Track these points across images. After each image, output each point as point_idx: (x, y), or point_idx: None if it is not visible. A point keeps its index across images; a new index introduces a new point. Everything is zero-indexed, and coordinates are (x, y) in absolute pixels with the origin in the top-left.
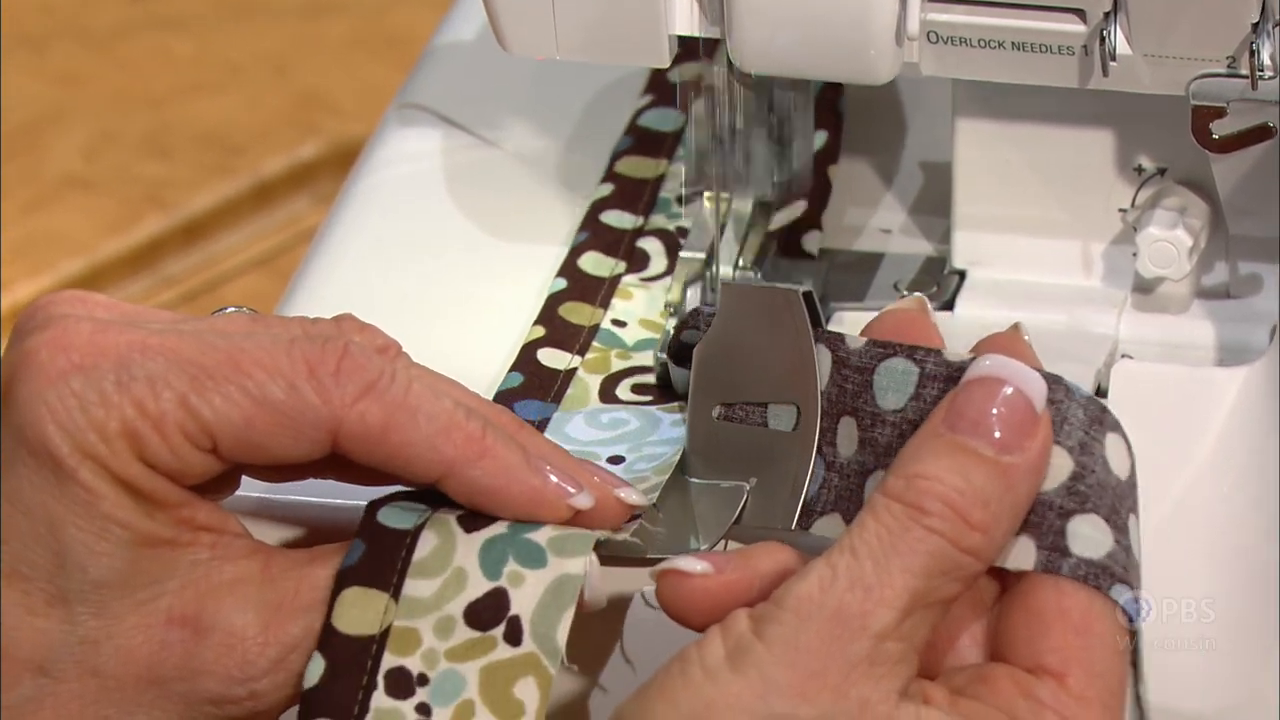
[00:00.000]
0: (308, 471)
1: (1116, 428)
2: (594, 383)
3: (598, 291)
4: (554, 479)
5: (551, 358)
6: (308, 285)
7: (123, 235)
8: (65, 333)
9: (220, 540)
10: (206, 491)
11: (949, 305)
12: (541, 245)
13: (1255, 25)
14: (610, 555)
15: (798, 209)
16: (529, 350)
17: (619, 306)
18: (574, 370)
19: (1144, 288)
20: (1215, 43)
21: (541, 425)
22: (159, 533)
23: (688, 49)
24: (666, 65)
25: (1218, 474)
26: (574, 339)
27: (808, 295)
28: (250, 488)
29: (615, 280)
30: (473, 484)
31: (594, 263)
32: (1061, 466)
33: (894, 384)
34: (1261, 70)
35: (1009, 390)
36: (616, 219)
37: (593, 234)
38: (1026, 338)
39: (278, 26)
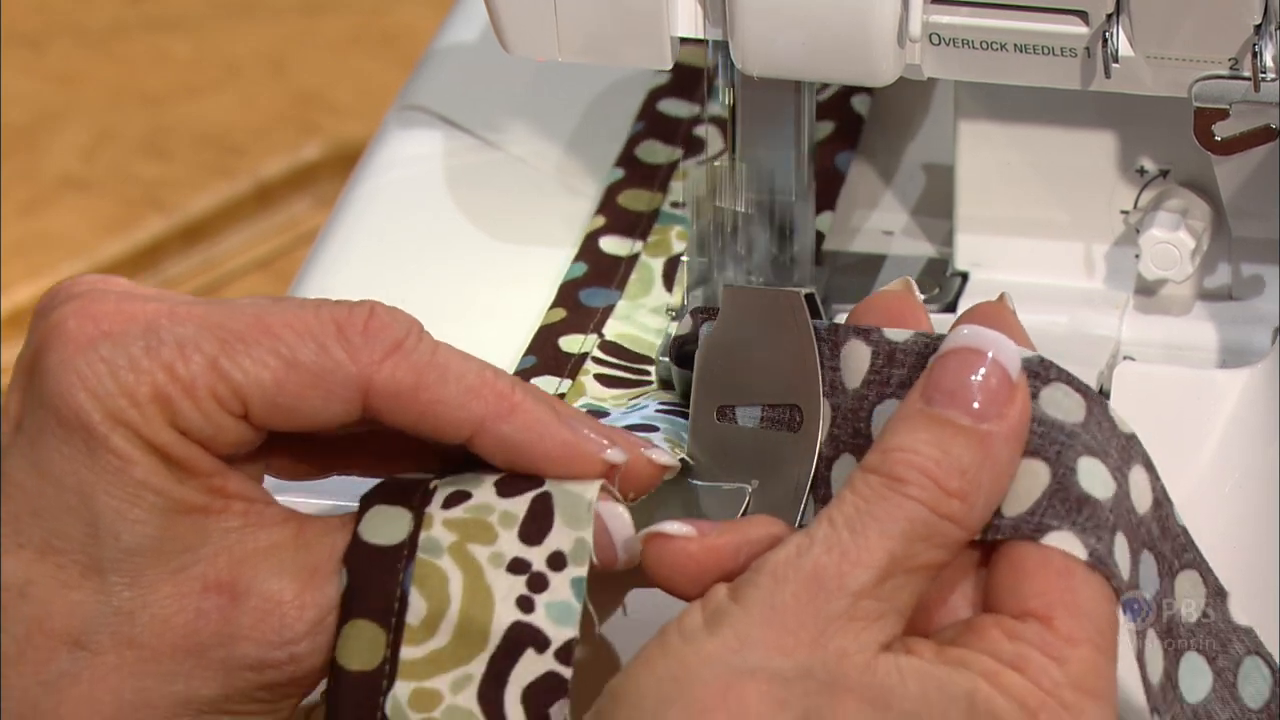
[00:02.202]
0: (336, 461)
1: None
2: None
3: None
4: (587, 432)
5: (569, 343)
6: (309, 288)
7: (122, 236)
8: (92, 303)
9: (252, 508)
10: (238, 460)
11: (951, 307)
12: (544, 246)
13: (1258, 27)
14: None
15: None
16: (546, 334)
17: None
18: (612, 305)
19: (1146, 289)
20: (1217, 44)
21: None
22: (191, 499)
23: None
24: (668, 66)
25: (1219, 475)
26: (588, 318)
27: (810, 297)
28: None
29: (633, 260)
30: (505, 439)
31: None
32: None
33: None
34: (1264, 72)
35: (984, 359)
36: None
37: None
38: (1012, 307)
39: (276, 25)
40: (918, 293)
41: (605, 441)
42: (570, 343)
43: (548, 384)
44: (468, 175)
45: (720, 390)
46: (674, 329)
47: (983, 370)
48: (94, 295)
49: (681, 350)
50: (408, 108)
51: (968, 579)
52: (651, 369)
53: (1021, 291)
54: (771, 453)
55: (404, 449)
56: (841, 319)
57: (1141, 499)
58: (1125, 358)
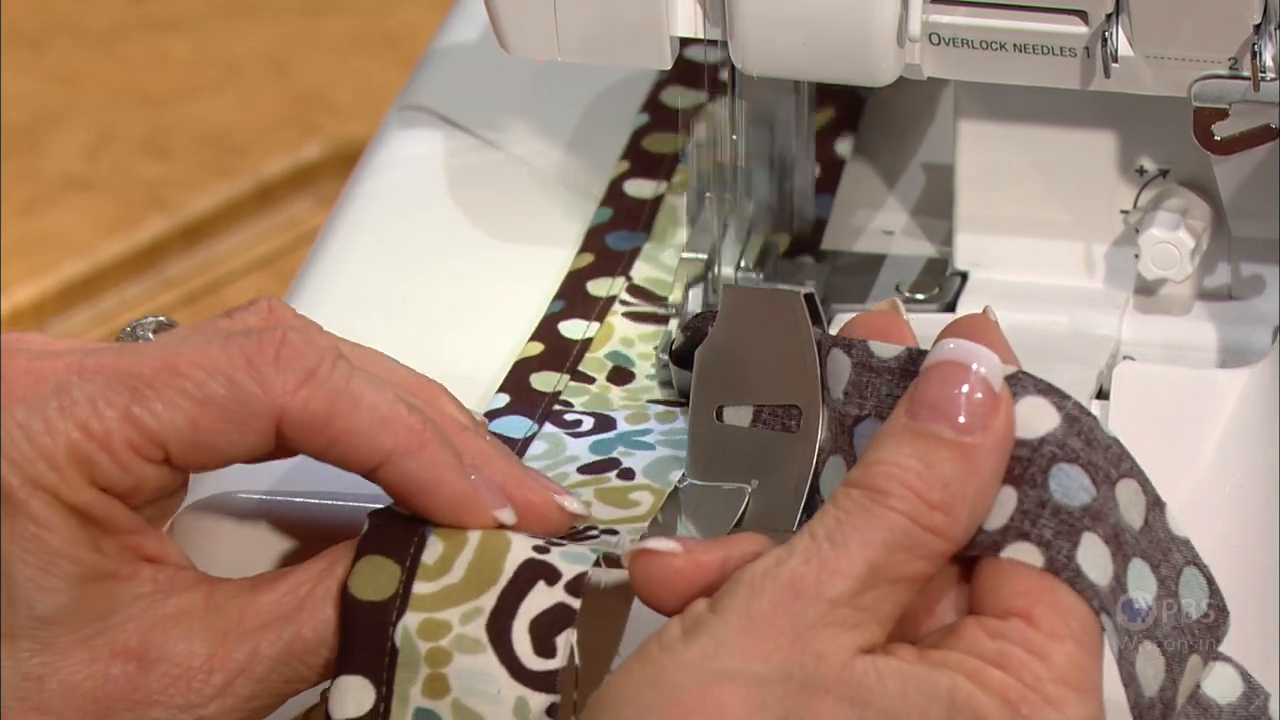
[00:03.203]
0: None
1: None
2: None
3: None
4: (484, 486)
5: (573, 329)
6: (310, 287)
7: (123, 237)
8: (5, 366)
9: (163, 573)
10: (158, 502)
11: (951, 307)
12: (544, 246)
13: (1257, 27)
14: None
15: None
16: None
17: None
18: (614, 296)
19: (1146, 289)
20: (1217, 44)
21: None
22: (105, 566)
23: (691, 73)
24: (668, 66)
25: (1219, 475)
26: (592, 307)
27: (809, 297)
28: (251, 488)
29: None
30: (407, 476)
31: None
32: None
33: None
34: (1263, 71)
35: (967, 372)
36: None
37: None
38: (993, 319)
39: (277, 26)
40: (904, 313)
41: (499, 500)
42: (598, 286)
43: (576, 327)
44: (468, 175)
45: (720, 390)
46: (674, 329)
47: (966, 384)
48: (5, 358)
49: (681, 351)
50: (408, 108)
51: (955, 590)
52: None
53: (1021, 291)
54: (771, 453)
55: None
56: (842, 320)
57: (1132, 508)
58: (1125, 358)
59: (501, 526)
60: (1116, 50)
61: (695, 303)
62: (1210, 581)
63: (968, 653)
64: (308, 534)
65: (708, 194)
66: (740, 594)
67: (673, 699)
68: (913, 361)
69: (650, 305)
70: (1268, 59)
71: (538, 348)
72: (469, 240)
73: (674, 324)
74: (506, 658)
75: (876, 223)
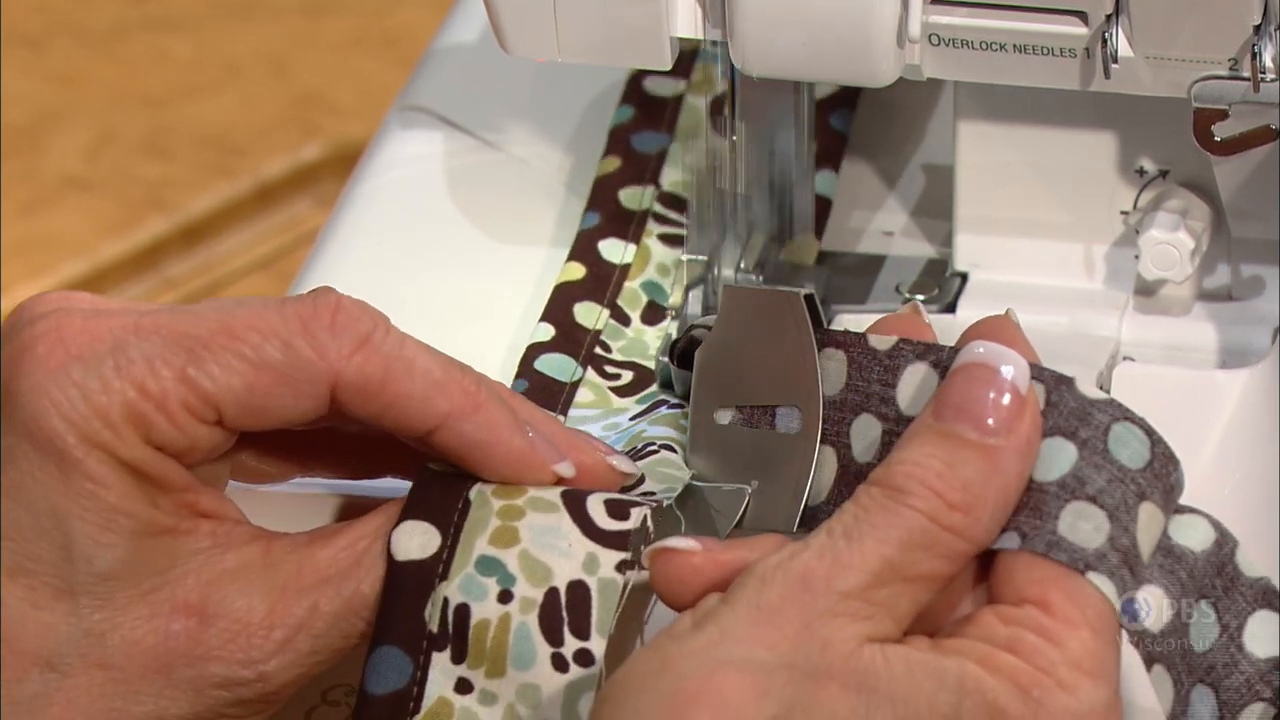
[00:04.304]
0: (299, 465)
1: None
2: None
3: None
4: (543, 442)
5: (612, 250)
6: (310, 288)
7: (123, 237)
8: (59, 325)
9: (221, 528)
10: (210, 463)
11: (951, 308)
12: (544, 247)
13: (1257, 27)
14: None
15: (810, 246)
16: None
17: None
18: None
19: (1146, 290)
20: (1217, 45)
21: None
22: (163, 521)
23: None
24: (668, 67)
25: (1219, 476)
26: (626, 222)
27: (809, 298)
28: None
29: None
30: (464, 437)
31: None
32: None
33: (918, 390)
34: (1263, 72)
35: (994, 375)
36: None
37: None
38: (1016, 321)
39: (277, 26)
40: (926, 316)
41: (557, 454)
42: (630, 197)
43: (613, 247)
44: (468, 175)
45: (720, 390)
46: (674, 329)
47: (993, 386)
48: (60, 315)
49: (681, 352)
50: (408, 108)
51: (980, 588)
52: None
53: (1021, 292)
54: (771, 453)
55: (365, 450)
56: (841, 320)
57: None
58: (1125, 358)
59: (560, 481)
60: (1116, 51)
61: (695, 304)
62: (1150, 432)
63: (980, 639)
64: (330, 522)
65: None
66: (751, 585)
67: (677, 686)
68: (899, 351)
69: (681, 216)
70: (1268, 60)
71: (579, 270)
72: (469, 240)
73: (673, 324)
74: (580, 518)
75: (876, 223)
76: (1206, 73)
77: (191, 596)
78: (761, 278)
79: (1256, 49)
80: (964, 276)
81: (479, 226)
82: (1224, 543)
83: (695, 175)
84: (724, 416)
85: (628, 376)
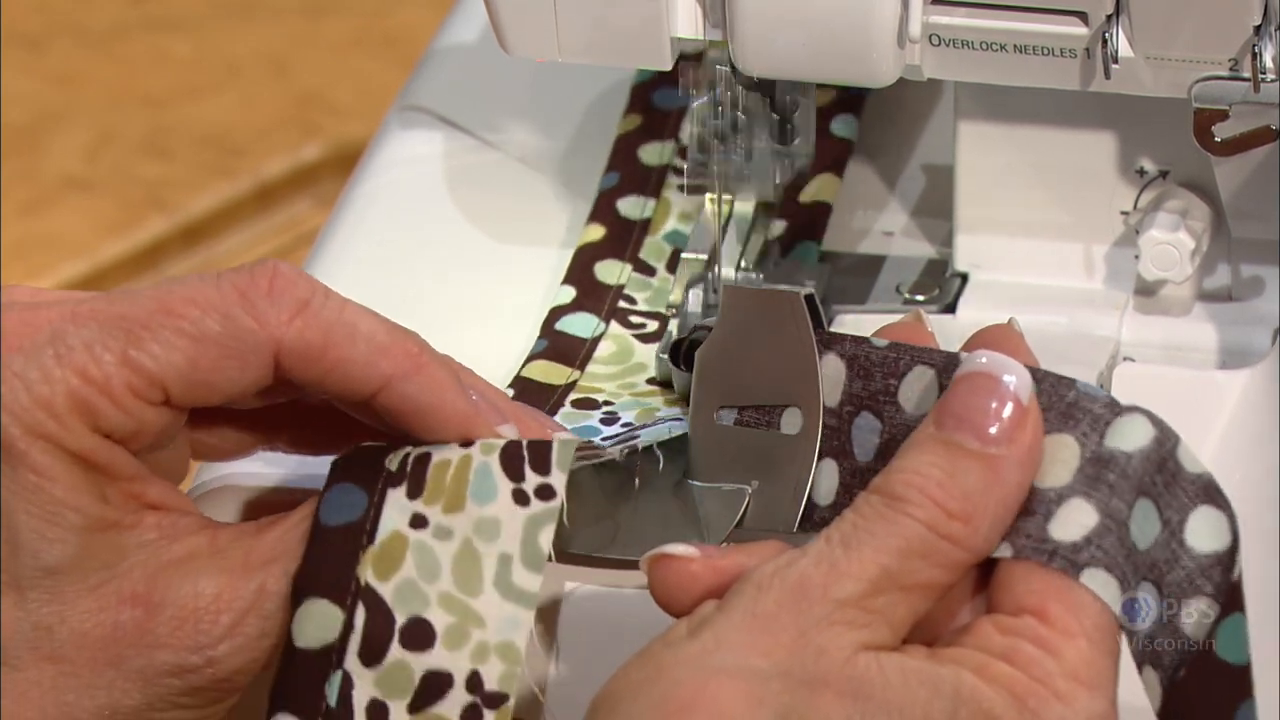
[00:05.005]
0: (257, 438)
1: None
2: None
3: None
4: (485, 404)
5: (631, 207)
6: None
7: (123, 237)
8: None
9: (167, 519)
10: (158, 450)
11: (951, 308)
12: (544, 247)
13: (1257, 28)
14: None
15: (830, 182)
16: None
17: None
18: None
19: (1146, 290)
20: (1217, 45)
21: None
22: (109, 516)
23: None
24: (668, 67)
25: (1219, 476)
26: (646, 178)
27: (810, 298)
28: (238, 471)
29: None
30: (407, 399)
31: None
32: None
33: (920, 394)
34: (1264, 72)
35: (996, 384)
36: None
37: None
38: (1019, 330)
39: (277, 26)
40: (929, 324)
41: (500, 416)
42: (649, 154)
43: (633, 204)
44: (467, 175)
45: (720, 390)
46: (674, 327)
47: (995, 396)
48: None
49: (681, 352)
50: (408, 108)
51: (978, 597)
52: None
53: (1021, 292)
54: (771, 453)
55: (327, 423)
56: (842, 321)
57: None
58: (1125, 359)
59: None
60: (1116, 51)
61: (695, 303)
62: (1157, 422)
63: (977, 648)
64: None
65: (709, 195)
66: (747, 592)
67: (670, 694)
68: (902, 354)
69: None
70: (1268, 60)
71: (598, 231)
72: (469, 240)
73: (674, 324)
74: (508, 464)
75: (877, 224)
76: (1207, 73)
77: (139, 587)
78: (762, 276)
79: (1256, 49)
80: (964, 277)
81: (479, 226)
82: (1165, 440)
83: (696, 151)
84: (724, 417)
85: (652, 326)
